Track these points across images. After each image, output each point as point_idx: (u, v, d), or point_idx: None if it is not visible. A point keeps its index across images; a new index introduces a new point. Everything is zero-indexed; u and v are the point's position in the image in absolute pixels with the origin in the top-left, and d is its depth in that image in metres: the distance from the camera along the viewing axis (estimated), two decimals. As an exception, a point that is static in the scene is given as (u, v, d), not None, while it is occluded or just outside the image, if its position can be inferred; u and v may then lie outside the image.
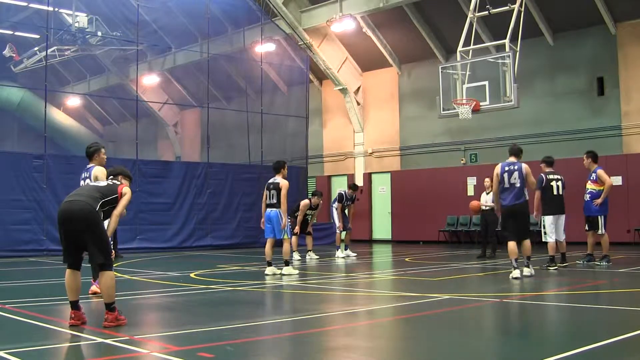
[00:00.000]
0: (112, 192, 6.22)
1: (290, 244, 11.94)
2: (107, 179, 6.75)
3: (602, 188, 11.71)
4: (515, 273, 9.74)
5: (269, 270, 10.98)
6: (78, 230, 5.87)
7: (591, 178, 11.90)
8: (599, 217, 11.72)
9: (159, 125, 30.06)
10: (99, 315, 6.07)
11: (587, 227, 12.02)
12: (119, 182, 6.49)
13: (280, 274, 10.86)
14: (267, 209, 11.07)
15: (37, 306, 7.54)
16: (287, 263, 11.05)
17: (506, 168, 10.28)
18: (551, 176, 11.78)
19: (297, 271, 11.25)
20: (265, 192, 11.18)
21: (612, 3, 17.80)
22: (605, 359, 4.84)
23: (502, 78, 15.09)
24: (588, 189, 11.92)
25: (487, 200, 14.14)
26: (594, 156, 12.02)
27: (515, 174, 10.16)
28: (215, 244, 19.16)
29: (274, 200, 10.97)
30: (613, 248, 15.71)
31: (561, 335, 5.88)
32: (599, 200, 11.64)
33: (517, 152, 10.49)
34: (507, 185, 10.18)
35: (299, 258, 14.51)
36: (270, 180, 11.24)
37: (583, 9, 18.11)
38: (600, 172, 11.78)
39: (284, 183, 10.99)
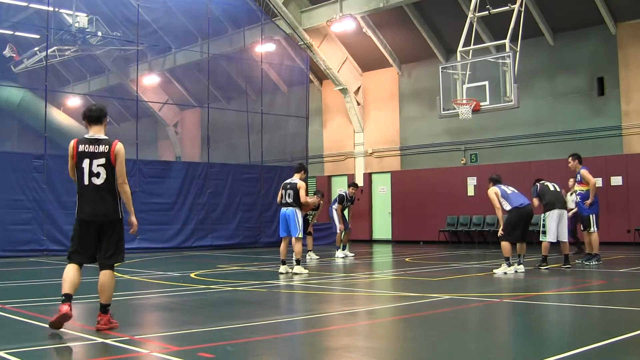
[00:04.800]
0: (111, 164, 5.94)
1: (303, 243, 11.99)
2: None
3: (588, 188, 11.97)
4: (511, 269, 10.57)
5: (282, 268, 11.11)
6: (100, 232, 5.91)
7: (577, 179, 12.23)
8: (590, 216, 12.00)
9: (159, 125, 30.06)
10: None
11: (582, 227, 12.31)
12: (107, 141, 6.00)
13: (291, 272, 10.95)
14: (282, 208, 11.23)
15: (37, 306, 7.54)
16: (298, 262, 11.18)
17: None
18: (546, 182, 12.02)
19: (307, 270, 11.32)
20: (281, 192, 11.40)
21: (612, 3, 17.80)
22: (605, 359, 4.83)
23: (502, 78, 15.11)
24: (577, 190, 12.23)
25: (572, 200, 14.16)
26: (579, 158, 12.30)
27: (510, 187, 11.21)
28: (215, 244, 19.16)
29: (290, 200, 11.17)
30: (613, 248, 15.79)
31: (561, 335, 5.88)
32: (589, 201, 11.93)
33: None
34: (510, 192, 10.93)
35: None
36: (288, 180, 11.52)
37: (583, 9, 18.12)
38: (584, 172, 12.07)
39: (302, 184, 11.27)
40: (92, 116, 6.17)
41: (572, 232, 14.68)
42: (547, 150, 19.06)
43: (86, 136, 6.07)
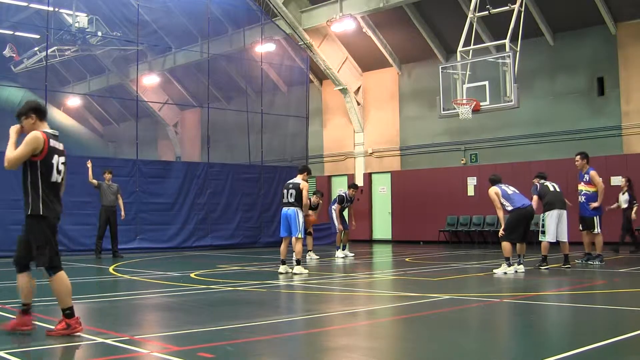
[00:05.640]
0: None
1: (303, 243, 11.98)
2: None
3: (595, 190, 11.90)
4: (511, 269, 10.57)
5: (282, 268, 11.12)
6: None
7: (584, 179, 12.09)
8: (595, 217, 11.94)
9: (159, 125, 30.06)
10: (99, 316, 6.05)
11: (581, 228, 12.25)
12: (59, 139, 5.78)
13: (291, 272, 10.95)
14: (284, 207, 11.21)
15: (37, 306, 7.52)
16: (298, 262, 11.18)
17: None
18: (546, 182, 11.93)
19: (307, 270, 11.32)
20: (283, 191, 11.37)
21: (612, 3, 17.80)
22: (605, 359, 4.83)
23: (502, 78, 15.10)
24: (582, 190, 12.12)
25: (625, 199, 14.59)
26: (587, 157, 12.21)
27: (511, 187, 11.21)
28: (215, 244, 19.15)
29: (292, 199, 11.17)
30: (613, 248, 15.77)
31: (561, 335, 5.88)
32: (596, 204, 11.86)
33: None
34: (511, 192, 10.89)
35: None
36: (290, 180, 11.53)
37: (583, 9, 18.11)
38: (593, 173, 11.96)
39: (304, 184, 11.28)
40: (45, 111, 5.85)
41: (629, 230, 14.76)
42: (547, 150, 19.06)
43: (50, 132, 5.69)
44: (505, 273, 10.48)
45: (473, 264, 13.21)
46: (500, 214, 10.83)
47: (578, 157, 12.15)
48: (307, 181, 11.51)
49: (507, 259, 10.63)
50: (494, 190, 10.82)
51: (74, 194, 16.65)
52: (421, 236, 21.81)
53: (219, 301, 8.04)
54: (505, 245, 10.68)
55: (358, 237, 21.99)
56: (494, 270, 10.68)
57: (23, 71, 25.84)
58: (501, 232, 10.78)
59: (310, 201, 15.46)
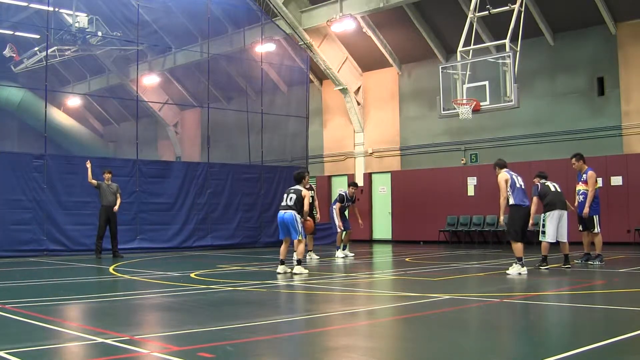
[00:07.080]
0: None
1: (305, 244, 11.95)
2: None
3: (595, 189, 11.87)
4: (524, 269, 10.42)
5: (280, 268, 11.14)
6: None
7: (582, 179, 12.10)
8: (594, 216, 11.94)
9: (159, 125, 30.07)
10: (99, 316, 6.05)
11: (580, 228, 12.23)
12: None
13: (291, 272, 10.96)
14: (280, 210, 11.22)
15: (37, 306, 7.53)
16: (299, 262, 11.14)
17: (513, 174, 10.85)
18: (547, 182, 11.87)
19: (307, 270, 11.30)
20: (284, 195, 11.42)
21: (612, 3, 17.81)
22: (605, 359, 4.83)
23: (502, 78, 15.10)
24: (580, 190, 12.12)
25: None
26: (583, 158, 12.20)
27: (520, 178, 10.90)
28: (215, 244, 19.16)
29: (291, 203, 11.14)
30: (613, 248, 15.79)
31: (561, 335, 5.88)
32: (586, 209, 11.80)
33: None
34: (518, 186, 10.67)
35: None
36: (292, 187, 11.48)
37: (583, 9, 18.12)
38: (591, 174, 11.97)
39: (306, 192, 11.27)
40: None
41: None
42: (547, 150, 19.06)
43: None
44: (520, 274, 10.29)
45: (473, 264, 13.21)
46: (503, 201, 10.49)
47: (574, 160, 12.18)
48: (307, 186, 11.51)
49: (520, 259, 10.41)
50: (504, 177, 10.51)
51: (74, 194, 16.72)
52: (421, 236, 21.82)
53: (219, 301, 8.04)
54: (517, 245, 10.45)
55: (358, 237, 21.99)
56: (507, 271, 10.51)
57: (23, 71, 25.86)
58: (501, 221, 10.61)
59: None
